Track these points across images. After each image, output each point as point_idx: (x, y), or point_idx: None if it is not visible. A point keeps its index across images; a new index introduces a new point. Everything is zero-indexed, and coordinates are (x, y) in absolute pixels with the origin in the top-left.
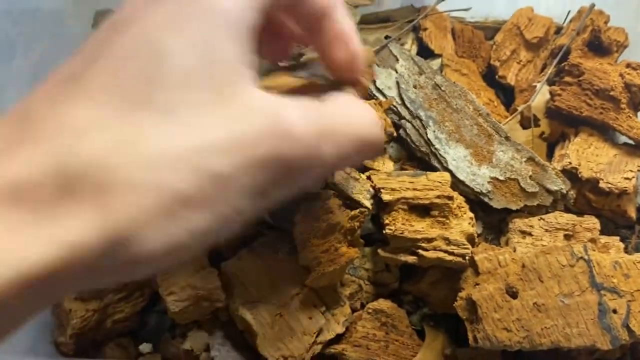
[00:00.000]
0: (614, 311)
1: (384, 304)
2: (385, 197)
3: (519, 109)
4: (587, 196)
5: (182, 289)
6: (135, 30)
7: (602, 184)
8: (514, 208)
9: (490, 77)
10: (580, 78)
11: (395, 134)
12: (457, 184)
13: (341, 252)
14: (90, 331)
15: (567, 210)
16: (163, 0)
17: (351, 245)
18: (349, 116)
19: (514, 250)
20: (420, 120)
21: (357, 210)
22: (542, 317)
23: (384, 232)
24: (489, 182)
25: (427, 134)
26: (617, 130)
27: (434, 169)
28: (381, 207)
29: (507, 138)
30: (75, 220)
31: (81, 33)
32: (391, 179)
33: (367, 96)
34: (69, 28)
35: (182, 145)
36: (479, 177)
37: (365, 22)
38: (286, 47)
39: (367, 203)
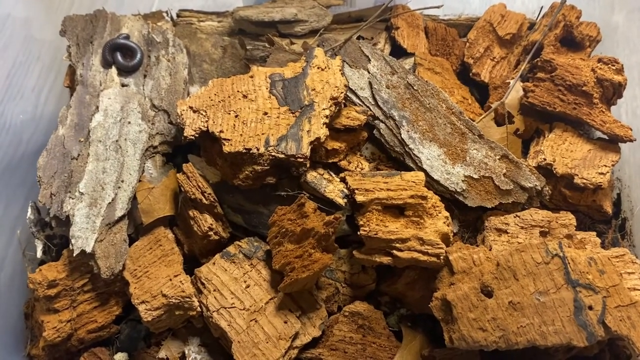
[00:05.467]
0: (590, 308)
1: (360, 306)
2: (359, 198)
3: (493, 106)
4: (562, 192)
5: (154, 298)
6: None
7: (577, 180)
8: (488, 206)
9: (464, 74)
10: (553, 74)
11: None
12: (432, 183)
13: (315, 258)
14: (64, 342)
15: (543, 206)
16: None
17: (325, 250)
18: None
19: (490, 249)
20: (394, 120)
21: (332, 216)
22: (518, 316)
23: (358, 233)
24: (463, 181)
25: (400, 134)
26: (591, 125)
27: (409, 169)
28: (356, 208)
29: (480, 136)
30: None
31: (51, 39)
32: (366, 179)
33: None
34: (39, 34)
35: None
36: (453, 175)
37: (338, 22)
38: None
39: (341, 202)
